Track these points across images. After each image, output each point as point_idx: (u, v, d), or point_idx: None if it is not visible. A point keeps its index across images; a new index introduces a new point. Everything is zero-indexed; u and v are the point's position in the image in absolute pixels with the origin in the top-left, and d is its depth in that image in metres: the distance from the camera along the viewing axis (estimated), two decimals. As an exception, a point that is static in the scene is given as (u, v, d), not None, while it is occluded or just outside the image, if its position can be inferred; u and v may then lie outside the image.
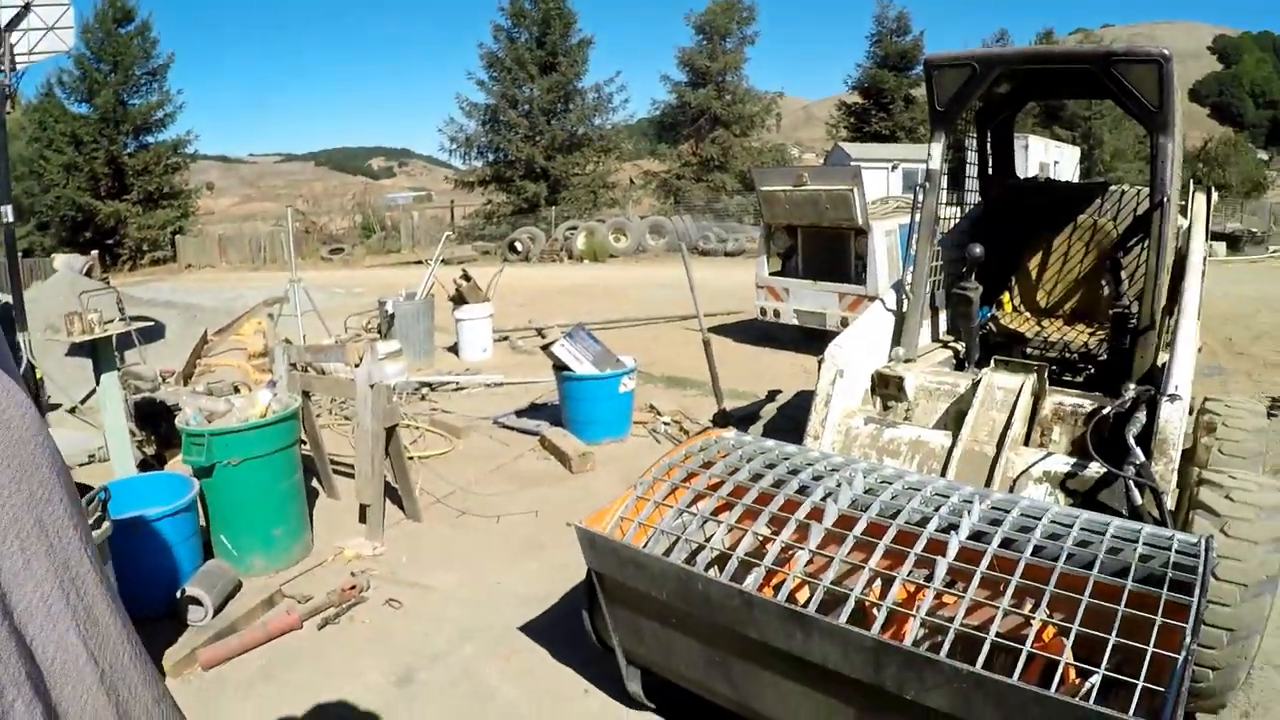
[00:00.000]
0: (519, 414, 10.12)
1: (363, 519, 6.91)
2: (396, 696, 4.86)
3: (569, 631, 5.12)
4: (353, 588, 5.86)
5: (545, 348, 9.17)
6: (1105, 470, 4.83)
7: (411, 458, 7.88)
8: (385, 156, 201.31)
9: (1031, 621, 3.37)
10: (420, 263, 21.26)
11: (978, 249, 6.24)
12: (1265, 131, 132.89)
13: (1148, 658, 3.03)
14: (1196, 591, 3.29)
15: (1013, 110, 8.24)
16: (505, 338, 14.89)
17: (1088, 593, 3.30)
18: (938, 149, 6.28)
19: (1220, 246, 30.47)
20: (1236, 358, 14.85)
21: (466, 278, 13.73)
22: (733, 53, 46.04)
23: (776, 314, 14.72)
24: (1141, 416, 5.03)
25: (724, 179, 44.09)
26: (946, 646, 3.20)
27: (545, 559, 6.50)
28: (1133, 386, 5.27)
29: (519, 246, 32.17)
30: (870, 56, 50.92)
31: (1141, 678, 2.97)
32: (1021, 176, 8.49)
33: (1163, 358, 5.68)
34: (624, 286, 23.13)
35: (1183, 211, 6.86)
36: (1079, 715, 2.92)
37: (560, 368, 9.03)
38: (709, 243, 34.51)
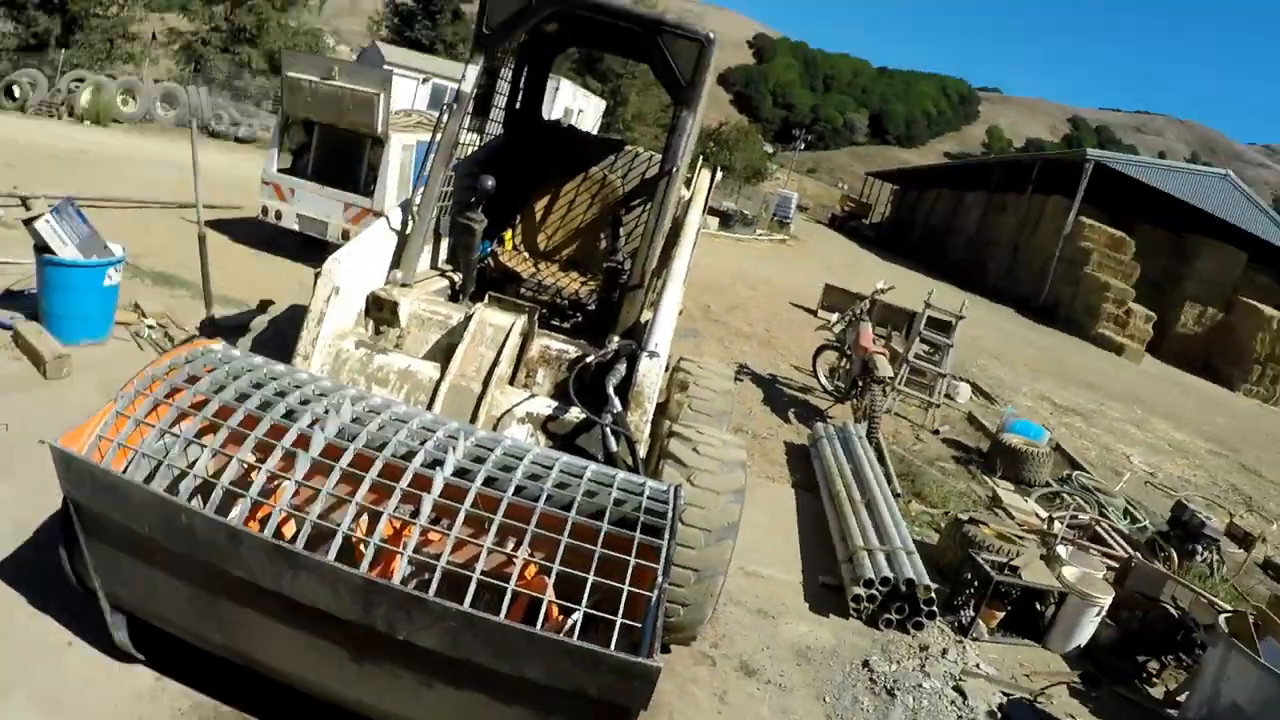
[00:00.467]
0: (-10, 302, 8.90)
1: None
2: None
3: (48, 571, 4.48)
4: None
5: (28, 222, 8.10)
6: (585, 416, 5.09)
7: None
8: None
9: (514, 560, 3.51)
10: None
11: (490, 181, 6.28)
12: (776, 128, 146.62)
13: (624, 596, 3.27)
14: (666, 535, 3.59)
15: (555, 50, 8.38)
16: (-17, 204, 13.00)
17: (567, 533, 3.50)
18: (474, 71, 6.14)
19: (714, 222, 32.93)
20: (712, 324, 16.26)
21: None
22: (296, -82, 43.34)
23: (279, 215, 13.94)
24: (622, 368, 5.31)
25: (252, 54, 40.95)
26: (434, 585, 3.28)
27: (15, 482, 5.72)
28: (616, 339, 5.58)
29: (16, 92, 28.35)
30: (431, -41, 50.00)
31: (620, 615, 3.20)
32: (546, 118, 8.69)
33: (647, 315, 6.06)
34: (124, 159, 21.15)
35: (687, 184, 7.31)
36: (567, 651, 3.12)
37: (42, 249, 8.01)
38: (221, 123, 32.42)
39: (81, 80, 29.77)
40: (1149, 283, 35.20)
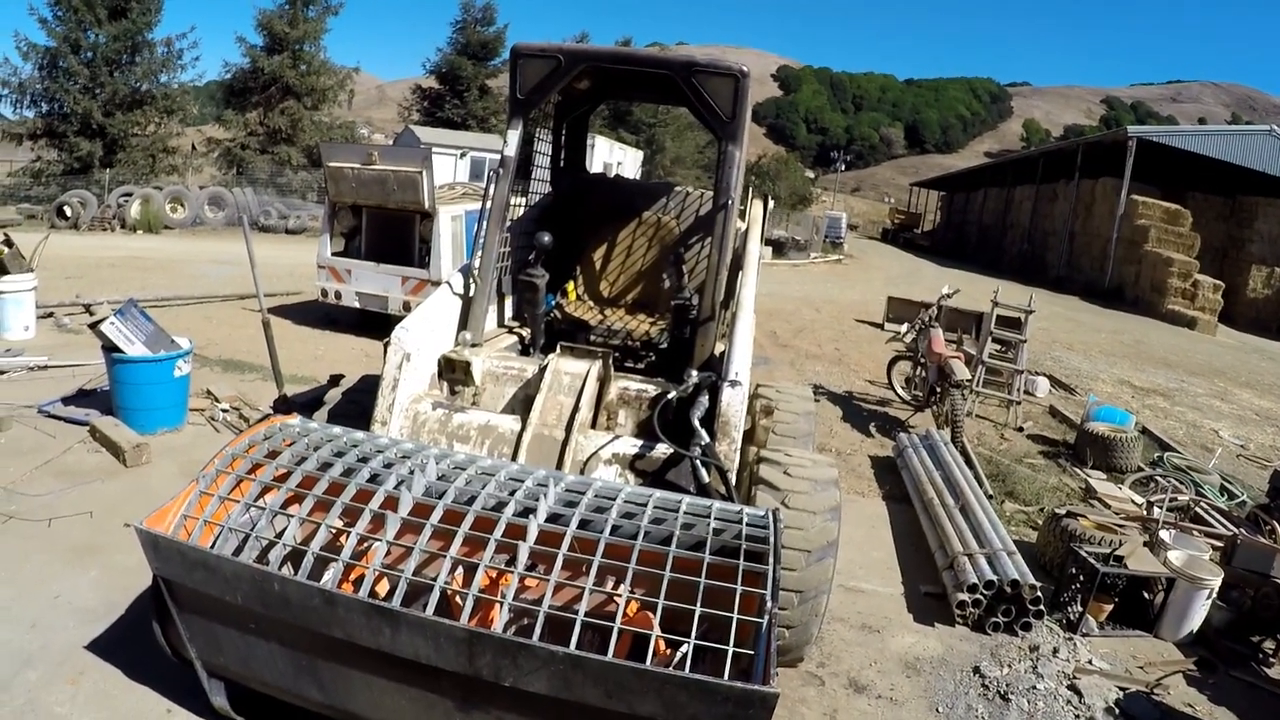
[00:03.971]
0: (66, 401, 9.12)
1: (-108, 533, 6.04)
2: None
3: (142, 645, 4.69)
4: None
5: (94, 325, 8.33)
6: (673, 450, 5.04)
7: (-53, 459, 7.04)
8: None
9: (616, 598, 3.45)
10: (-44, 225, 19.10)
11: (546, 237, 6.37)
12: (814, 153, 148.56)
13: (734, 624, 3.18)
14: (771, 559, 3.51)
15: (590, 106, 8.50)
16: (50, 314, 13.30)
17: (669, 567, 3.43)
18: (515, 136, 6.29)
19: (768, 251, 33.07)
20: (781, 349, 16.23)
21: (8, 244, 12.06)
22: (314, 21, 44.12)
23: (338, 295, 14.35)
24: (704, 400, 5.29)
25: (290, 152, 42.24)
26: (538, 630, 3.22)
27: (106, 564, 5.94)
28: (695, 373, 5.53)
29: (68, 211, 29.20)
30: (452, 43, 51.01)
31: (731, 643, 3.11)
32: (590, 172, 8.72)
33: (720, 347, 6.03)
34: (179, 261, 21.75)
35: (741, 215, 7.30)
36: (682, 684, 3.04)
37: (110, 349, 8.22)
38: (270, 218, 33.26)
39: (129, 194, 30.76)
40: (1211, 251, 34.68)
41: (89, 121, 36.51)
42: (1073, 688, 5.61)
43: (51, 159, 37.48)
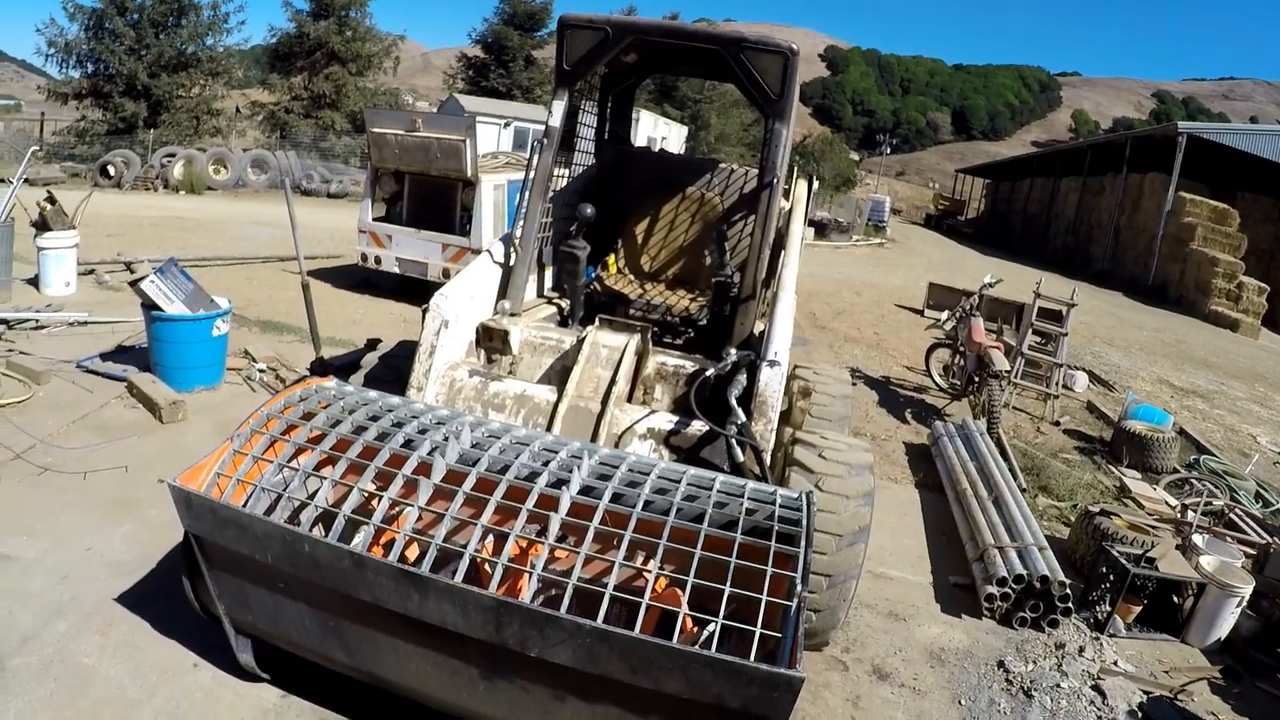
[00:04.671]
0: (104, 357, 9.23)
1: (-70, 480, 6.10)
2: None
3: (171, 599, 4.71)
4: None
5: (134, 284, 8.38)
6: (708, 428, 5.01)
7: (-14, 408, 7.11)
8: None
9: (645, 574, 3.44)
10: (2, 181, 19.24)
11: (589, 209, 6.35)
12: (859, 136, 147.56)
13: (763, 605, 3.17)
14: (803, 542, 3.49)
15: (637, 80, 8.47)
16: (91, 271, 13.49)
17: (700, 545, 3.41)
18: (560, 107, 6.29)
19: (810, 232, 32.99)
20: (820, 331, 16.17)
21: (52, 201, 12.17)
22: (361, -14, 44.41)
23: (378, 260, 14.45)
24: (742, 379, 5.27)
25: (334, 117, 42.44)
26: (566, 602, 3.22)
27: (139, 519, 6.02)
28: (734, 351, 5.48)
29: (112, 170, 29.42)
30: (499, 12, 50.76)
31: (759, 624, 3.10)
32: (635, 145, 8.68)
33: (759, 326, 6.00)
34: (221, 222, 21.92)
35: (785, 195, 7.25)
36: (708, 663, 3.03)
37: (150, 306, 8.30)
38: (313, 182, 33.52)
39: (173, 155, 30.95)
40: (1258, 253, 34.17)
41: (134, 82, 36.84)
42: (1096, 688, 5.56)
43: (96, 119, 37.85)
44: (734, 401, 5.06)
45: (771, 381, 5.14)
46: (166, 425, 7.74)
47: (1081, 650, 5.97)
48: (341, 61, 43.59)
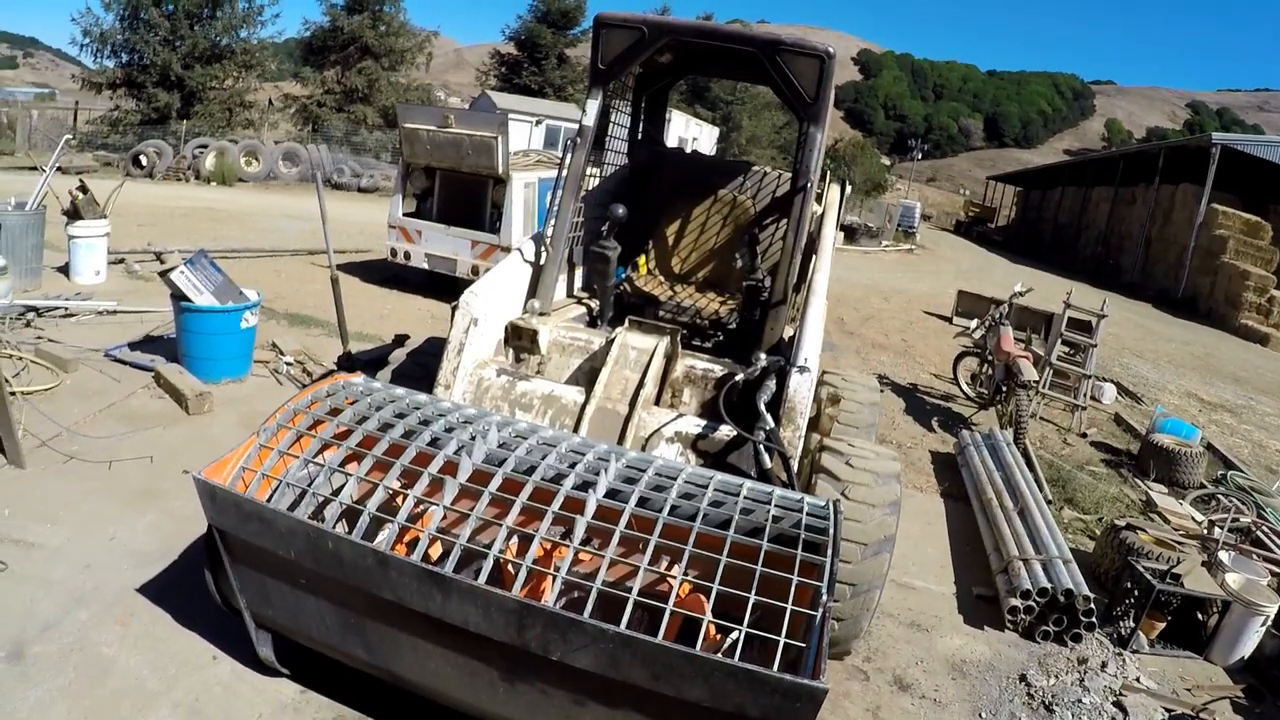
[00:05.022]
0: (132, 346, 9.27)
1: (-43, 466, 6.11)
2: (7, 674, 4.32)
3: (192, 591, 4.72)
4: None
5: (164, 274, 8.42)
6: (736, 433, 4.98)
7: (13, 393, 7.15)
8: (9, 44, 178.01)
9: (670, 579, 3.42)
10: (35, 168, 19.34)
11: (621, 209, 6.32)
12: (891, 140, 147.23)
13: (787, 615, 3.14)
14: (830, 552, 3.46)
15: (671, 80, 8.44)
16: (121, 260, 13.59)
17: (726, 552, 3.39)
18: (594, 106, 6.28)
19: (839, 236, 33.04)
20: (848, 337, 16.15)
21: (84, 189, 12.30)
22: (396, -18, 44.57)
23: (407, 256, 14.51)
24: (772, 384, 5.21)
25: (366, 112, 42.63)
26: (590, 606, 3.20)
27: (162, 509, 6.04)
28: (763, 356, 5.43)
29: (144, 160, 29.61)
30: (533, 10, 50.66)
31: (783, 633, 3.08)
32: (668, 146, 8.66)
33: (789, 331, 5.96)
34: (252, 214, 22.06)
35: (818, 199, 7.21)
36: (731, 672, 3.00)
37: (179, 297, 8.34)
38: (343, 176, 33.68)
39: (205, 146, 31.16)
40: (1291, 268, 33.77)
41: (168, 73, 37.08)
42: (1118, 704, 5.51)
43: (129, 109, 38.11)
44: (763, 407, 5.01)
45: (801, 388, 5.10)
46: (193, 416, 7.77)
47: (1104, 666, 5.92)
48: (375, 56, 43.75)
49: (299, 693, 4.43)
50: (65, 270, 12.45)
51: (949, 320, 19.70)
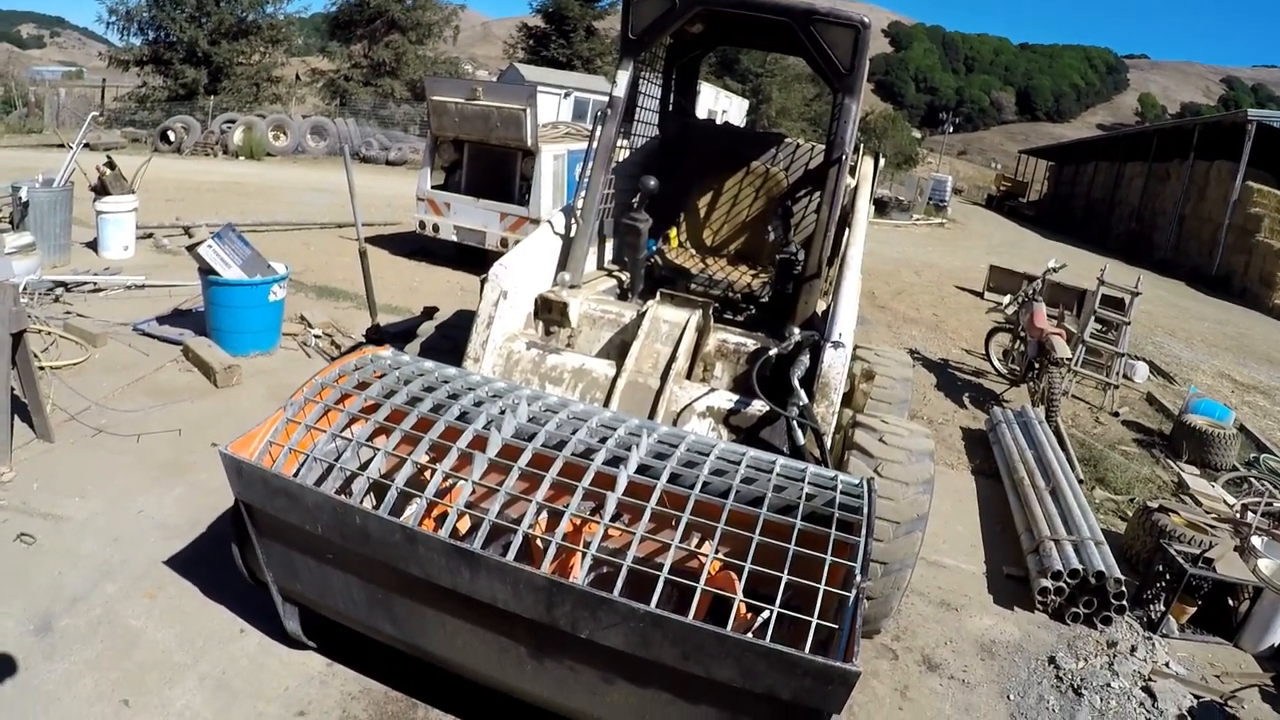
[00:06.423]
0: (161, 320, 9.33)
1: (-12, 439, 6.14)
2: (35, 647, 4.34)
3: (220, 564, 4.73)
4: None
5: (191, 248, 8.44)
6: (768, 409, 4.92)
7: (42, 368, 7.19)
8: (36, 24, 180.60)
9: (700, 557, 3.38)
10: (63, 146, 19.44)
11: (652, 181, 6.22)
12: (922, 113, 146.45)
13: (820, 595, 3.11)
14: (863, 532, 3.41)
15: (703, 51, 8.37)
16: (149, 235, 13.69)
17: (759, 530, 3.35)
18: (625, 77, 6.21)
19: (870, 209, 32.91)
20: (879, 311, 16.06)
21: (111, 165, 12.39)
22: (422, -45, 44.59)
23: (436, 229, 14.50)
24: (805, 360, 5.13)
25: (394, 85, 42.80)
26: (620, 583, 3.16)
27: (190, 482, 6.06)
28: (797, 330, 5.35)
29: (171, 136, 29.82)
30: (561, -17, 50.72)
31: (815, 614, 3.04)
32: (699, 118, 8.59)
33: (822, 305, 5.89)
34: (280, 187, 22.15)
35: (851, 172, 7.13)
36: (762, 653, 2.96)
37: (206, 271, 8.37)
38: (371, 149, 33.77)
39: (233, 121, 31.36)
40: (1327, 248, 33.31)
41: (194, 50, 37.33)
42: (1147, 689, 5.44)
43: (157, 85, 38.40)
44: (796, 383, 4.94)
45: (835, 363, 5.04)
46: (221, 389, 7.81)
47: (1133, 650, 5.85)
48: (401, 30, 43.84)
49: (326, 665, 4.44)
50: (94, 246, 12.55)
51: (980, 295, 19.61)
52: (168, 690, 4.15)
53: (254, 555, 4.08)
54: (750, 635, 3.06)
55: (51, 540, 5.24)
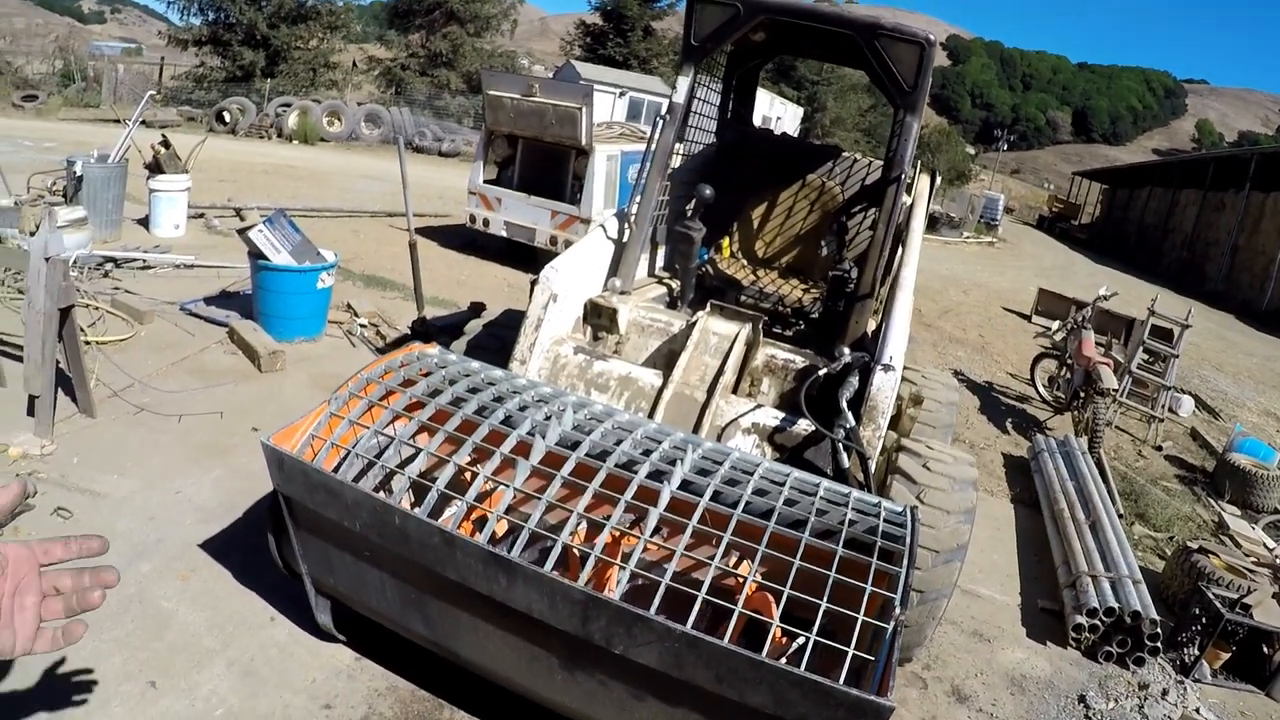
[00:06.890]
0: (208, 301, 9.41)
1: (31, 411, 6.16)
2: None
3: (254, 550, 4.76)
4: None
5: (242, 232, 8.51)
6: (815, 429, 4.86)
7: (88, 343, 7.23)
8: None
9: (738, 578, 3.35)
10: (119, 121, 19.62)
11: (708, 190, 6.16)
12: (977, 129, 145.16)
13: (858, 625, 3.06)
14: (905, 563, 3.36)
15: (763, 60, 8.32)
16: (201, 215, 13.83)
17: (799, 555, 3.31)
18: (685, 83, 6.19)
19: (921, 226, 32.88)
20: (924, 329, 15.92)
21: (166, 144, 12.59)
22: (483, -52, 44.80)
23: (486, 223, 14.56)
24: (855, 381, 5.05)
25: (450, 77, 43.10)
26: (657, 600, 3.13)
27: (229, 465, 6.09)
28: (848, 350, 5.27)
29: (227, 117, 30.15)
30: (621, -18, 50.82)
31: (852, 645, 2.99)
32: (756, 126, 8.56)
33: (872, 324, 5.83)
34: (332, 173, 22.33)
35: (908, 190, 7.07)
36: (797, 682, 2.92)
37: (256, 255, 8.41)
38: (425, 139, 34.03)
39: (288, 105, 31.73)
40: (1383, 288, 32.82)
41: (253, 32, 37.81)
42: (1176, 735, 5.38)
43: (214, 66, 39.00)
44: (845, 404, 4.87)
45: (885, 387, 4.96)
46: (264, 374, 7.85)
47: (1165, 693, 5.75)
48: (460, 21, 44.09)
49: (354, 659, 4.45)
50: (145, 223, 12.69)
51: (1028, 318, 19.41)
52: (195, 674, 4.16)
53: (289, 546, 4.09)
54: (784, 661, 3.03)
55: (88, 516, 5.27)
